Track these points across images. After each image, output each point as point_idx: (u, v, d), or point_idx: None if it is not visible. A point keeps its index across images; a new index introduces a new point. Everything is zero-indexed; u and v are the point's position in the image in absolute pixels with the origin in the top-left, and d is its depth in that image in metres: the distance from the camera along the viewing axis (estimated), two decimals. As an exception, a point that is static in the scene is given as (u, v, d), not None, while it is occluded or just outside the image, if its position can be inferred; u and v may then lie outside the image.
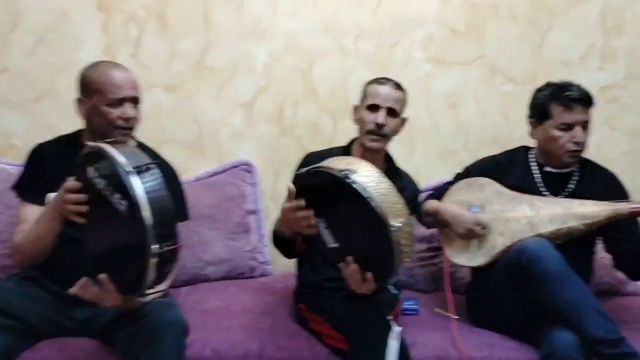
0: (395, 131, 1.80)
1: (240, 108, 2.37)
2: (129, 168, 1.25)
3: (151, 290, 1.31)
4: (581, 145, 1.78)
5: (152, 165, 1.28)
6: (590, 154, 2.01)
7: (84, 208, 1.38)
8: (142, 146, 1.78)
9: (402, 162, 1.95)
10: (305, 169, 1.47)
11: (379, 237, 1.35)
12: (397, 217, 1.34)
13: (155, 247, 1.22)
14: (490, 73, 2.39)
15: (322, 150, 1.92)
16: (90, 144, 1.37)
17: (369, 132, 1.76)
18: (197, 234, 2.11)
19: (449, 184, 2.00)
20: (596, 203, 1.72)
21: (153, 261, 1.23)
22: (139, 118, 1.68)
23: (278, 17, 2.34)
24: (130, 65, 2.12)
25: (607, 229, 1.78)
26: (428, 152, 2.42)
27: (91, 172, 1.35)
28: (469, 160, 2.09)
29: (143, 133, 1.86)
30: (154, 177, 1.27)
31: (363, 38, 2.36)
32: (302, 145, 2.35)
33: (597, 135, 2.35)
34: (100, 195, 1.32)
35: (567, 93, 1.77)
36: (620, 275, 2.06)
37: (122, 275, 1.34)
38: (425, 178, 2.31)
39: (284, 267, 2.24)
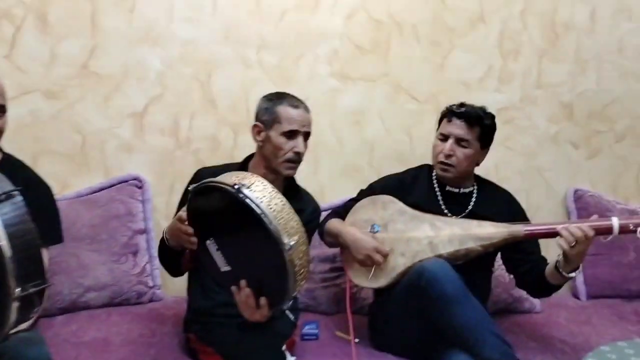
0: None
1: (130, 118, 2.20)
2: None
3: (12, 330, 1.14)
4: (450, 158, 1.80)
5: (14, 193, 1.12)
6: (488, 173, 2.05)
7: None
8: (10, 159, 1.59)
9: (306, 179, 1.89)
10: (195, 184, 1.35)
11: (272, 256, 1.26)
12: (291, 235, 1.25)
13: (17, 289, 1.06)
14: (395, 91, 2.39)
15: (217, 165, 1.80)
16: None
17: (288, 161, 1.65)
18: (75, 257, 1.93)
19: (353, 200, 1.96)
20: (493, 224, 1.73)
21: (15, 305, 1.06)
22: (3, 128, 1.49)
23: (173, 23, 2.20)
24: (4, 68, 1.90)
25: (505, 249, 1.81)
26: (332, 168, 2.37)
27: None
28: (373, 177, 2.08)
29: (17, 143, 1.68)
30: (15, 207, 1.11)
31: (266, 50, 2.27)
32: (200, 159, 2.22)
33: (495, 155, 2.42)
34: None
35: (452, 105, 1.84)
36: (517, 292, 2.12)
37: None
38: (330, 195, 2.29)
39: (177, 291, 2.07)
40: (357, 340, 1.79)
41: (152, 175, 2.20)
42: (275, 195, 1.28)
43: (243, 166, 1.73)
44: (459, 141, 1.79)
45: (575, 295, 2.40)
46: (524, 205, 1.94)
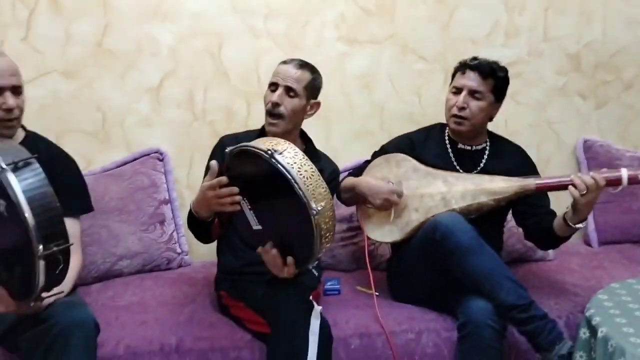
0: (295, 113, 1.73)
1: (146, 93, 2.25)
2: (4, 165, 1.16)
3: (48, 293, 1.24)
4: (463, 111, 1.81)
5: (31, 160, 1.19)
6: (498, 127, 2.09)
7: None
8: (34, 136, 1.67)
9: (319, 143, 1.94)
10: (230, 147, 1.43)
11: (300, 220, 1.34)
12: (319, 200, 1.33)
13: (40, 248, 1.14)
14: (402, 52, 2.42)
15: (238, 132, 1.89)
16: None
17: (267, 113, 1.73)
18: (106, 228, 2.01)
19: (367, 162, 2.01)
20: (504, 179, 1.78)
21: (41, 264, 1.15)
22: (23, 107, 1.55)
23: (182, -4, 2.24)
24: (21, 50, 1.96)
25: (516, 203, 1.86)
26: (345, 132, 2.42)
27: None
28: (384, 139, 2.12)
29: (41, 123, 1.75)
30: (33, 173, 1.18)
31: (273, 18, 2.31)
32: (216, 130, 2.27)
33: (504, 110, 2.44)
34: None
35: (466, 59, 1.85)
36: (530, 243, 2.18)
37: (12, 280, 1.26)
38: (343, 158, 2.32)
39: (204, 256, 2.18)
40: (377, 293, 1.85)
41: (171, 148, 2.27)
42: (305, 162, 1.36)
43: (262, 132, 1.80)
44: (473, 93, 1.81)
45: (587, 243, 2.47)
46: (534, 158, 1.98)
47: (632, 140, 2.60)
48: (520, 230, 2.09)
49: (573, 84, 2.54)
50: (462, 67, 1.85)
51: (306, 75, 1.74)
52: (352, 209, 2.06)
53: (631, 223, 2.41)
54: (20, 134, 1.61)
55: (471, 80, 1.81)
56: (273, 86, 1.73)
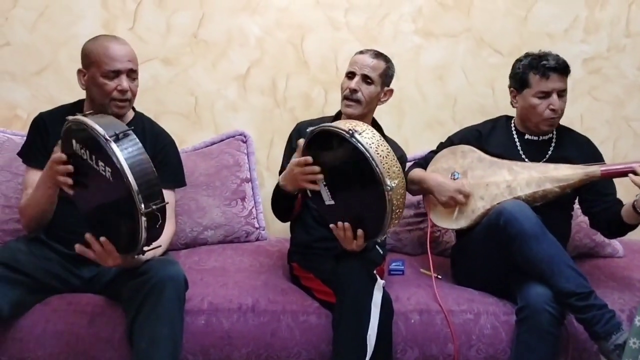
0: (371, 99, 1.85)
1: (234, 81, 2.45)
2: (107, 136, 1.32)
3: (148, 248, 1.42)
4: (557, 112, 1.86)
5: (128, 132, 1.35)
6: (574, 123, 2.10)
7: (70, 180, 1.46)
8: (142, 117, 1.86)
9: (391, 132, 2.03)
10: (314, 127, 1.57)
11: (374, 195, 1.46)
12: (392, 178, 1.45)
13: (142, 207, 1.31)
14: (477, 45, 2.46)
15: (313, 119, 2.02)
16: (70, 117, 1.44)
17: (345, 98, 1.85)
18: (194, 201, 2.21)
19: (433, 152, 2.08)
20: (570, 166, 1.79)
21: (143, 220, 1.32)
22: (135, 90, 1.73)
23: (270, -8, 2.40)
24: (128, 39, 2.18)
25: (582, 190, 1.87)
26: (416, 122, 2.50)
27: (75, 143, 1.42)
28: (456, 129, 2.17)
29: (142, 104, 1.94)
30: (132, 143, 1.34)
31: (353, 12, 2.43)
32: (295, 116, 2.43)
33: (581, 105, 2.46)
34: (86, 165, 1.40)
35: (543, 62, 1.84)
36: (598, 238, 2.17)
37: (118, 237, 1.43)
38: (414, 148, 2.41)
39: (278, 232, 2.35)
40: (439, 276, 1.93)
41: (254, 131, 2.44)
42: (382, 142, 1.49)
43: (335, 119, 1.93)
44: (560, 93, 1.85)
45: (661, 242, 2.40)
46: (610, 154, 1.99)
47: None
48: (588, 225, 2.09)
49: (656, 81, 2.48)
50: (545, 70, 1.83)
51: (381, 64, 1.86)
52: (419, 196, 2.13)
53: None
54: (130, 114, 1.81)
55: (559, 82, 1.84)
56: (350, 74, 1.86)
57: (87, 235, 1.45)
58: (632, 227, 1.80)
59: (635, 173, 1.65)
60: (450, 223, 1.95)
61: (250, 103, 2.46)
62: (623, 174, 1.70)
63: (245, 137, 2.40)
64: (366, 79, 1.84)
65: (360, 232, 1.56)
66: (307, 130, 1.59)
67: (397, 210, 1.48)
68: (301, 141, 1.62)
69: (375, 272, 1.66)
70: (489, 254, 1.79)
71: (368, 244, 1.65)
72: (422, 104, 2.49)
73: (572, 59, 1.92)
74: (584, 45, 2.46)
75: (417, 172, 2.02)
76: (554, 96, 1.84)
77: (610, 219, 1.82)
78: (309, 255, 1.88)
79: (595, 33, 2.46)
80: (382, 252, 1.90)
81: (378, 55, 1.87)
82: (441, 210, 1.96)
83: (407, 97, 2.45)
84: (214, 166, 2.30)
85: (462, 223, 1.91)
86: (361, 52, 1.88)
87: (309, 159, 1.58)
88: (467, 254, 1.92)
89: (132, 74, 1.70)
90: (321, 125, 1.55)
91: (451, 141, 2.05)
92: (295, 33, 2.43)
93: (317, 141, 1.58)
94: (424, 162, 2.08)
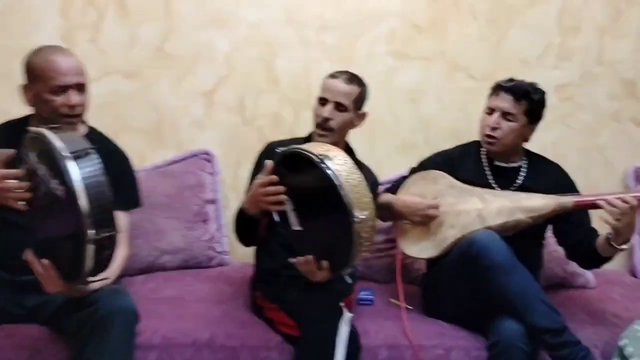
0: (344, 125, 1.79)
1: (200, 97, 2.36)
2: (66, 153, 1.24)
3: (94, 278, 1.32)
4: (496, 132, 1.82)
5: (90, 151, 1.27)
6: (546, 150, 2.06)
7: (26, 195, 1.36)
8: (94, 131, 1.76)
9: (363, 155, 1.97)
10: (283, 148, 1.49)
11: (342, 226, 1.38)
12: (363, 209, 1.37)
13: (91, 233, 1.21)
14: (451, 69, 2.43)
15: (284, 139, 1.94)
16: (32, 129, 1.35)
17: (317, 126, 1.78)
18: (152, 223, 2.10)
19: (404, 178, 2.03)
20: (542, 196, 1.76)
21: (90, 248, 1.22)
22: (86, 105, 1.63)
23: (240, 7, 2.33)
24: (89, 50, 2.10)
25: (555, 221, 1.83)
26: (389, 145, 2.44)
27: (33, 157, 1.34)
28: (429, 153, 2.12)
29: (101, 119, 1.84)
30: (91, 163, 1.26)
31: (325, 31, 2.37)
32: (264, 135, 2.35)
33: (553, 133, 2.43)
34: (40, 181, 1.31)
35: (499, 81, 1.86)
36: (571, 267, 2.14)
37: (62, 262, 1.33)
38: (386, 171, 2.32)
39: (243, 256, 2.23)
40: (410, 307, 1.87)
41: (220, 150, 2.35)
42: (354, 170, 1.41)
43: (307, 140, 1.85)
44: (505, 115, 1.81)
45: (632, 273, 2.38)
46: (582, 183, 1.94)
47: (685, 171, 2.50)
48: (561, 254, 2.05)
49: (627, 110, 2.47)
50: (497, 89, 1.86)
51: (355, 90, 1.79)
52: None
53: (682, 256, 2.32)
54: (82, 129, 1.71)
55: (504, 101, 1.82)
56: (323, 101, 1.78)
57: (28, 254, 1.35)
58: (607, 260, 1.78)
59: (608, 203, 1.61)
60: (420, 252, 1.89)
61: (216, 121, 2.37)
62: (596, 205, 1.66)
63: (210, 156, 2.32)
64: (339, 106, 1.76)
65: (325, 263, 1.48)
66: (277, 150, 1.51)
67: (366, 244, 1.41)
68: (269, 162, 1.54)
69: (342, 304, 1.58)
70: (459, 285, 1.75)
71: (335, 275, 1.56)
72: (395, 127, 2.44)
73: (545, 86, 1.89)
74: (557, 71, 2.45)
75: (384, 197, 1.97)
76: (496, 114, 1.82)
77: (586, 251, 1.79)
78: (273, 283, 1.78)
79: (568, 60, 2.45)
80: (350, 282, 1.81)
81: (351, 79, 1.79)
82: (411, 238, 1.91)
83: (379, 119, 2.40)
84: (176, 186, 2.20)
85: (432, 252, 1.86)
86: (333, 76, 1.80)
87: (274, 178, 1.50)
88: (437, 285, 1.87)
89: (80, 87, 1.60)
90: (292, 147, 1.48)
91: (423, 166, 2.02)
92: (266, 50, 2.36)
93: (287, 163, 1.50)
94: (393, 187, 2.04)
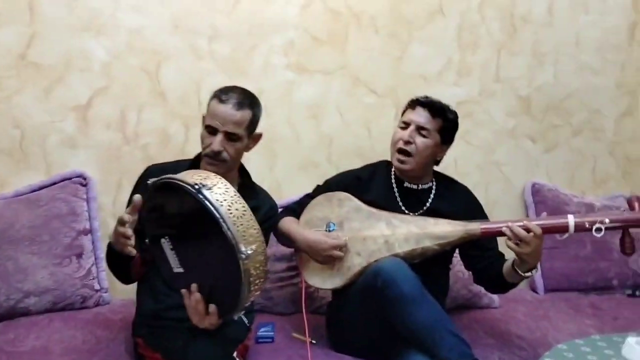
0: (238, 155, 1.61)
1: (73, 112, 2.08)
2: None
3: None
4: (409, 145, 1.76)
5: None
6: (447, 167, 2.03)
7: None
8: None
9: (262, 174, 1.85)
10: (154, 179, 1.29)
11: (227, 264, 1.21)
12: (249, 243, 1.21)
13: None
14: (353, 84, 2.34)
15: (166, 162, 1.73)
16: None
17: (206, 156, 1.58)
18: (13, 261, 1.82)
19: (308, 196, 1.92)
20: (450, 222, 1.70)
21: None
22: None
23: (119, 11, 2.08)
24: None
25: (463, 247, 1.79)
26: (289, 164, 2.30)
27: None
28: (332, 172, 2.04)
29: None
30: None
31: (217, 40, 2.18)
32: (149, 155, 2.12)
33: (454, 150, 2.38)
34: None
35: (419, 96, 1.83)
36: (476, 288, 2.12)
37: None
38: (287, 191, 2.23)
39: (126, 293, 1.97)
40: (314, 341, 1.76)
41: (97, 172, 2.09)
42: (237, 199, 1.24)
43: (194, 163, 1.65)
44: (420, 129, 1.76)
45: (533, 289, 2.41)
46: (482, 199, 1.92)
47: (579, 186, 2.59)
48: (466, 276, 2.03)
49: (523, 127, 2.51)
50: (413, 103, 1.82)
51: (246, 115, 1.57)
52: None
53: (577, 271, 2.37)
54: None
55: (420, 116, 1.77)
56: (210, 129, 1.56)
57: None
58: (513, 285, 1.74)
59: (512, 231, 1.57)
60: (324, 282, 1.77)
61: (92, 138, 2.10)
62: (502, 233, 1.61)
63: (85, 179, 2.05)
64: (231, 136, 1.56)
65: (212, 307, 1.28)
66: (148, 182, 1.29)
67: (257, 282, 1.24)
68: (137, 197, 1.32)
69: (235, 354, 1.41)
70: (366, 316, 1.65)
71: (224, 319, 1.37)
72: (296, 144, 2.30)
73: (445, 102, 1.85)
74: (457, 88, 2.43)
75: (286, 226, 1.82)
76: (411, 127, 1.77)
77: (493, 276, 1.75)
78: (156, 328, 1.55)
79: (467, 77, 2.44)
80: (247, 322, 1.62)
81: (241, 104, 1.57)
82: (315, 268, 1.79)
83: (279, 136, 2.25)
84: (42, 216, 1.91)
85: (338, 282, 1.75)
86: (221, 101, 1.56)
87: (125, 216, 1.31)
88: (343, 316, 1.75)
89: None
90: (162, 177, 1.28)
91: (328, 185, 1.92)
92: (150, 59, 2.13)
93: (161, 194, 1.30)
94: (297, 207, 1.91)
